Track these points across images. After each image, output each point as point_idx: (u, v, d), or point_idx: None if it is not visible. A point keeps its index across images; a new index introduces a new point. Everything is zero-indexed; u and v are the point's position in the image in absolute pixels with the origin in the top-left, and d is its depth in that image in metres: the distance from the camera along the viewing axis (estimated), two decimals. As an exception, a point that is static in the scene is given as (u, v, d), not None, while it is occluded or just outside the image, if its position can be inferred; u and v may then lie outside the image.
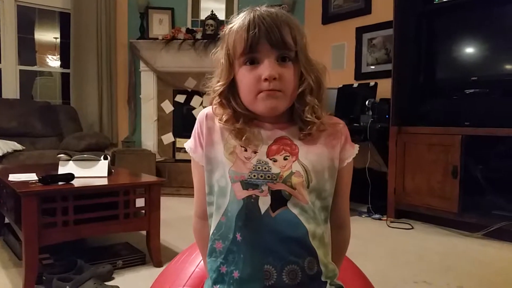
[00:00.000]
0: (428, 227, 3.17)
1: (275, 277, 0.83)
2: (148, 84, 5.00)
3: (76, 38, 4.65)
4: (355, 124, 3.58)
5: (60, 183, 2.06)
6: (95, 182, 2.21)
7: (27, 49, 4.84)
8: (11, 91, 4.51)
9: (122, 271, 2.18)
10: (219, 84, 0.90)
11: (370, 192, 3.46)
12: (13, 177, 2.20)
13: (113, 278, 2.10)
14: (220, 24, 4.68)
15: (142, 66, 4.98)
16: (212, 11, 4.78)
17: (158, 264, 2.26)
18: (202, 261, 1.04)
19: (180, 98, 4.98)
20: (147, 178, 2.57)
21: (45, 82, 5.07)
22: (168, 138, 5.02)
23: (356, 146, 0.94)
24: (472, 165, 2.98)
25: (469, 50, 3.23)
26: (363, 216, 3.49)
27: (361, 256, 2.42)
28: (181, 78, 4.86)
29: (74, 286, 1.83)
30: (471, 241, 2.83)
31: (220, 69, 0.90)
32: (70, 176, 2.10)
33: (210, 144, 0.90)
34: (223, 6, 4.98)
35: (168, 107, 5.01)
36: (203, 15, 4.91)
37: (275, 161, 0.86)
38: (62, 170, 2.25)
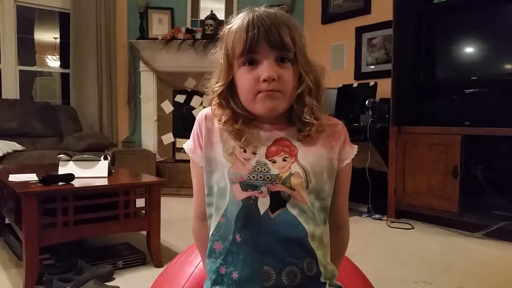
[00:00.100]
0: (428, 227, 3.17)
1: (274, 278, 0.83)
2: (148, 84, 5.01)
3: (75, 38, 4.65)
4: (355, 124, 3.58)
5: (60, 183, 2.06)
6: (95, 182, 2.22)
7: (27, 50, 4.84)
8: (11, 91, 4.51)
9: (122, 272, 2.19)
10: (218, 84, 0.90)
11: (370, 192, 3.46)
12: (13, 178, 2.20)
13: (113, 279, 2.10)
14: (220, 24, 4.68)
15: (142, 66, 4.98)
16: (211, 11, 4.78)
17: (159, 264, 2.26)
18: (201, 262, 1.04)
19: (180, 98, 4.99)
20: (147, 178, 2.57)
21: (45, 82, 5.07)
22: (168, 138, 5.02)
23: (355, 147, 0.94)
24: (472, 165, 2.98)
25: (469, 49, 3.23)
26: (363, 216, 3.49)
27: (361, 256, 2.43)
28: (181, 78, 4.86)
29: (75, 286, 1.84)
30: (472, 241, 2.83)
31: (219, 70, 0.90)
32: (70, 177, 2.10)
33: (209, 145, 0.90)
34: (223, 6, 4.98)
35: (168, 107, 5.01)
36: (202, 15, 4.91)
37: (274, 162, 0.86)
38: (62, 170, 2.25)
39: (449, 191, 3.02)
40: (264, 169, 0.85)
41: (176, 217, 3.24)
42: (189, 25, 4.98)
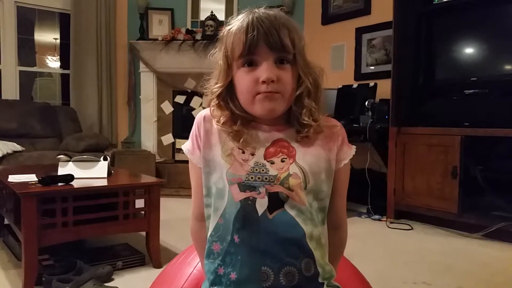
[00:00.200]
0: (428, 227, 3.17)
1: (272, 278, 0.83)
2: (147, 85, 5.01)
3: (76, 39, 4.65)
4: (355, 125, 3.58)
5: (59, 184, 2.06)
6: (94, 183, 2.22)
7: (27, 50, 4.84)
8: (11, 92, 4.52)
9: (121, 272, 2.18)
10: (217, 86, 0.90)
11: (369, 193, 3.46)
12: (12, 178, 2.20)
13: (112, 279, 2.10)
14: (220, 24, 4.68)
15: (142, 67, 4.98)
16: (211, 12, 4.79)
17: (158, 265, 2.26)
18: (199, 263, 1.05)
19: (180, 99, 4.99)
20: (147, 179, 2.57)
21: (45, 83, 5.07)
22: (168, 139, 5.02)
23: (353, 147, 0.94)
24: (472, 166, 2.98)
25: (469, 50, 3.23)
26: (363, 216, 3.49)
27: (361, 256, 2.43)
28: (181, 79, 4.87)
29: (74, 287, 1.84)
30: (471, 242, 2.83)
31: (218, 71, 0.90)
32: (70, 177, 2.10)
33: (207, 146, 0.91)
34: (223, 6, 4.98)
35: (167, 108, 5.01)
36: (202, 16, 4.92)
37: (272, 163, 0.86)
38: (61, 171, 2.25)
39: (449, 192, 3.02)
40: (263, 170, 0.85)
41: (176, 217, 3.24)
42: (189, 26, 4.99)
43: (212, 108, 0.91)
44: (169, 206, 3.52)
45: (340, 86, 4.05)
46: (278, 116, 0.88)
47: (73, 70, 4.67)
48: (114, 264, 2.18)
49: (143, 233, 2.32)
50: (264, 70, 0.83)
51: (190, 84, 4.83)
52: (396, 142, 3.36)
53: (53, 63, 5.13)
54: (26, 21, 4.75)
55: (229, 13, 4.90)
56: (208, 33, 4.71)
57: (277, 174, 0.85)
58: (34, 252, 1.91)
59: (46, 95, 4.98)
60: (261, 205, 0.83)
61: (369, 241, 2.85)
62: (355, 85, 4.07)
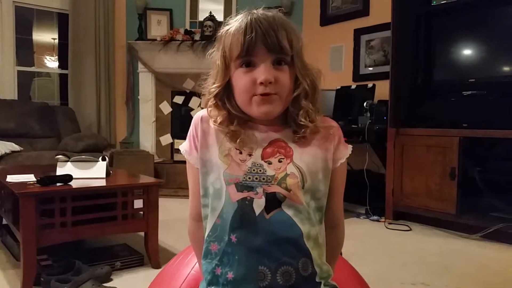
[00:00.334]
0: (426, 228, 3.18)
1: (269, 278, 0.83)
2: (146, 85, 5.01)
3: (74, 39, 4.65)
4: (353, 126, 3.58)
5: (58, 184, 2.06)
6: (93, 183, 2.22)
7: (25, 50, 4.83)
8: (9, 92, 4.51)
9: (120, 272, 2.18)
10: (214, 85, 0.90)
11: (368, 194, 3.46)
12: (11, 178, 2.20)
13: (111, 280, 2.10)
14: (218, 25, 4.64)
15: (141, 67, 4.98)
16: (210, 13, 4.79)
17: (156, 266, 2.26)
18: (197, 264, 1.05)
19: (179, 99, 4.99)
20: (145, 179, 2.57)
21: (43, 83, 5.06)
22: (166, 139, 5.02)
23: (350, 147, 0.95)
24: (470, 167, 2.99)
25: (467, 52, 3.24)
26: (361, 217, 3.49)
27: (359, 257, 2.43)
28: (180, 79, 4.87)
29: (73, 287, 1.83)
30: (469, 243, 2.84)
31: (216, 71, 0.90)
32: (68, 177, 2.10)
33: (205, 146, 0.91)
34: (222, 7, 4.98)
35: (166, 108, 5.01)
36: (201, 16, 4.92)
37: (270, 163, 0.87)
38: (60, 171, 2.25)
39: (447, 193, 3.02)
40: (260, 170, 0.86)
41: (174, 218, 3.24)
42: (187, 26, 4.98)
43: (209, 109, 0.92)
44: (167, 207, 3.52)
45: (339, 87, 4.05)
46: (275, 116, 0.88)
47: (71, 70, 4.67)
48: (112, 265, 2.18)
49: (142, 234, 2.32)
50: (262, 72, 0.83)
51: (188, 85, 4.83)
52: (394, 143, 3.36)
53: (51, 63, 5.12)
54: (24, 21, 4.75)
55: (227, 13, 4.90)
56: (206, 33, 4.71)
57: (274, 174, 0.85)
58: (32, 252, 1.91)
59: (45, 95, 4.97)
60: (258, 205, 0.84)
61: (368, 242, 2.85)
62: (353, 86, 4.07)
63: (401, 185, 3.34)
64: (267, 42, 0.83)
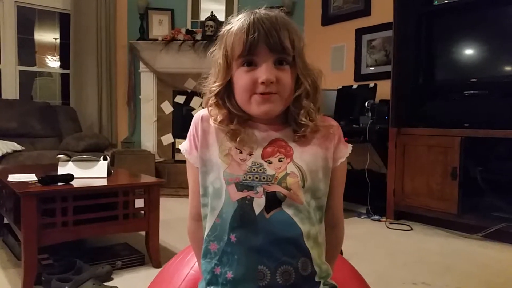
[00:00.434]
0: (427, 228, 3.18)
1: (268, 277, 0.83)
2: (147, 85, 5.01)
3: (76, 38, 4.65)
4: (355, 126, 3.58)
5: (59, 183, 2.06)
6: (94, 182, 2.22)
7: (27, 50, 4.84)
8: (11, 91, 4.52)
9: (121, 272, 2.19)
10: (216, 84, 0.90)
11: (369, 193, 3.46)
12: (12, 178, 2.20)
13: (112, 279, 2.10)
14: (220, 25, 4.65)
15: (142, 67, 4.98)
16: (212, 12, 4.79)
17: (157, 265, 2.26)
18: (196, 263, 1.05)
19: (180, 99, 4.99)
20: (147, 179, 2.57)
21: (45, 82, 5.07)
22: (168, 139, 5.02)
23: (349, 146, 0.95)
24: (472, 167, 2.98)
25: (469, 51, 3.23)
26: (362, 217, 3.49)
27: (360, 257, 2.43)
28: (181, 79, 4.87)
29: (73, 286, 1.84)
30: (470, 243, 2.83)
31: (217, 69, 0.90)
32: (70, 177, 2.11)
33: (205, 146, 0.91)
34: (223, 7, 4.98)
35: (167, 108, 5.01)
36: (203, 16, 4.92)
37: (270, 163, 0.87)
38: (61, 170, 2.25)
39: (448, 193, 3.02)
40: (260, 170, 0.86)
41: (175, 217, 3.24)
42: (189, 26, 4.99)
43: (210, 108, 0.92)
44: (168, 206, 3.52)
45: (340, 87, 4.05)
46: (275, 115, 0.88)
47: (73, 70, 4.68)
48: (113, 264, 2.18)
49: (143, 233, 2.32)
50: (264, 71, 0.83)
51: (190, 84, 4.84)
52: (396, 142, 3.36)
53: (53, 62, 5.13)
54: (26, 20, 4.76)
55: (229, 13, 4.89)
56: (208, 33, 4.71)
57: (274, 174, 0.85)
58: (33, 252, 1.91)
59: (46, 94, 4.98)
60: (258, 204, 0.84)
61: (369, 242, 2.85)
62: (355, 86, 4.07)
63: (402, 185, 3.34)
64: (269, 42, 0.83)
